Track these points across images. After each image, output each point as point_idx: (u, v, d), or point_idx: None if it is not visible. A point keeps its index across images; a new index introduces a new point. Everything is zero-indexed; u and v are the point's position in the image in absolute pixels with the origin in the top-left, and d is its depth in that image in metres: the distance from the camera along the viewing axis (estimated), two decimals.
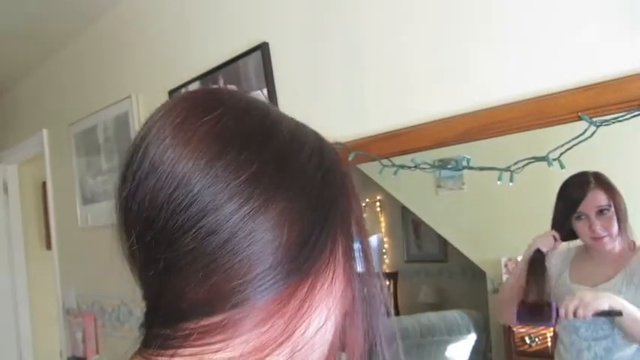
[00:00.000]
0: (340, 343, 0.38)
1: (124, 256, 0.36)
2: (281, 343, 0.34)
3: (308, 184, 0.36)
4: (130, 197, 0.34)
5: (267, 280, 0.33)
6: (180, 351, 0.33)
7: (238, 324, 0.33)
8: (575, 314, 0.83)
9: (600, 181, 0.84)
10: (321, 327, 0.36)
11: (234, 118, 0.35)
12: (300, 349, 0.35)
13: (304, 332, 0.35)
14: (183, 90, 1.60)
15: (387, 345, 0.39)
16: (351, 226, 0.38)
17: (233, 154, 0.33)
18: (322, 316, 0.36)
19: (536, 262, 0.93)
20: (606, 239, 0.84)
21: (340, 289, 0.37)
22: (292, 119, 0.40)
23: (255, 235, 0.32)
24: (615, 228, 0.83)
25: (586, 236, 0.87)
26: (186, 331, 0.33)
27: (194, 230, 0.32)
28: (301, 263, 0.34)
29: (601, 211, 0.84)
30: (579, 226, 0.87)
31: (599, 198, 0.84)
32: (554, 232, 0.91)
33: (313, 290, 0.35)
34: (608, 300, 0.82)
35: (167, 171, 0.33)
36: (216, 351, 0.32)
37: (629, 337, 0.81)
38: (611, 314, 0.81)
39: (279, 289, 0.33)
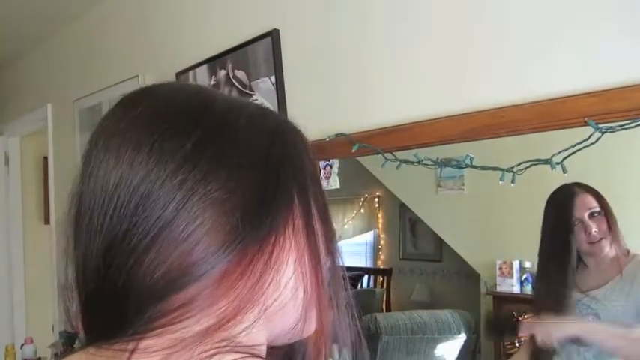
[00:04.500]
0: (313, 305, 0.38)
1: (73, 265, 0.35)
2: (250, 306, 0.34)
3: (253, 146, 0.36)
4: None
5: (221, 253, 0.33)
6: (147, 334, 0.32)
7: (200, 299, 0.33)
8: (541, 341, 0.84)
9: (584, 187, 0.85)
10: (287, 283, 0.36)
11: (157, 105, 0.36)
12: (270, 307, 0.35)
13: (272, 292, 0.35)
14: (190, 72, 1.59)
15: (344, 304, 0.40)
16: (306, 183, 0.38)
17: (162, 138, 0.33)
18: (288, 273, 0.36)
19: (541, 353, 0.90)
20: (603, 242, 0.84)
21: (302, 246, 0.37)
22: (230, 96, 0.40)
23: (199, 216, 0.32)
24: (609, 230, 0.83)
25: (583, 242, 0.86)
26: (149, 316, 0.32)
27: (140, 231, 0.32)
28: (256, 228, 0.34)
29: (592, 214, 0.84)
30: (576, 233, 0.87)
31: (588, 201, 0.85)
32: (550, 319, 0.89)
33: (273, 252, 0.35)
34: (571, 328, 0.83)
35: (101, 175, 0.34)
36: (185, 327, 0.32)
37: (611, 354, 0.81)
38: (575, 342, 0.82)
39: (236, 258, 0.33)
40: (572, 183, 0.86)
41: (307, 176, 0.38)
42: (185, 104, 0.36)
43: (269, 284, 0.35)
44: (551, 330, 0.85)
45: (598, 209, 0.84)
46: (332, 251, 0.39)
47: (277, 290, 0.36)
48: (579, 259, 0.89)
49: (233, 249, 0.33)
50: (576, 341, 0.83)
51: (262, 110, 0.40)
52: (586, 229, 0.85)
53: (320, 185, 0.40)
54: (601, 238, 0.84)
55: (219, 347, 0.32)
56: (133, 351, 0.32)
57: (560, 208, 0.88)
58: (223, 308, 0.33)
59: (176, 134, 0.34)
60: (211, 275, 0.33)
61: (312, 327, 0.39)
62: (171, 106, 0.36)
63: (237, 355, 0.33)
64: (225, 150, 0.34)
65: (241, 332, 0.34)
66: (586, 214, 0.85)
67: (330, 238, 0.39)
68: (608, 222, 0.83)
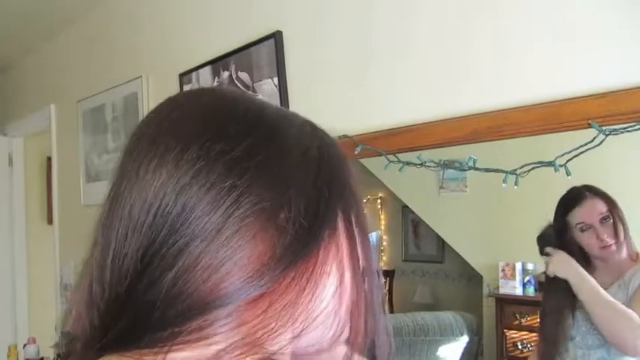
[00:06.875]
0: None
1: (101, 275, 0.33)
2: (285, 327, 0.32)
3: (304, 159, 0.34)
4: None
5: (268, 272, 0.31)
6: (184, 346, 0.31)
7: (243, 314, 0.31)
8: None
9: (594, 190, 0.85)
10: (326, 305, 0.34)
11: (213, 104, 0.35)
12: (307, 328, 0.33)
13: (311, 312, 0.33)
14: (194, 73, 1.60)
15: (383, 330, 0.38)
16: (351, 200, 0.36)
17: (212, 139, 0.32)
18: (328, 295, 0.34)
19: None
20: (613, 247, 0.84)
21: (343, 267, 0.35)
22: (279, 106, 0.39)
23: (248, 229, 0.31)
24: (620, 236, 0.83)
25: (594, 247, 0.86)
26: (189, 328, 0.31)
27: (179, 245, 0.31)
28: (303, 247, 0.32)
29: (604, 219, 0.84)
30: (585, 237, 0.87)
31: (598, 206, 0.85)
32: None
33: (313, 274, 0.33)
34: (569, 270, 0.87)
35: (143, 168, 0.33)
36: (219, 341, 0.31)
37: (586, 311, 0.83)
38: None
39: (279, 279, 0.32)
40: (582, 185, 0.85)
41: (351, 192, 0.37)
42: (240, 108, 0.35)
43: (308, 304, 0.33)
44: (556, 264, 0.88)
45: (608, 214, 0.84)
46: (370, 266, 0.37)
47: (315, 312, 0.33)
48: (588, 260, 0.89)
49: (279, 270, 0.31)
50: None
51: (310, 122, 0.39)
52: (598, 235, 0.85)
53: (361, 200, 0.38)
54: (612, 243, 0.84)
55: (250, 356, 0.31)
56: None
57: (561, 210, 0.88)
58: (256, 328, 0.32)
59: (227, 136, 0.32)
60: (253, 296, 0.31)
61: (345, 337, 0.37)
62: (227, 107, 0.35)
63: None
64: (276, 159, 0.33)
65: (274, 349, 0.32)
66: (597, 220, 0.85)
67: (368, 254, 0.37)
68: (615, 227, 0.83)
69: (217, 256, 0.30)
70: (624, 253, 0.84)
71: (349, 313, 0.36)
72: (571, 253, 0.88)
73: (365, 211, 0.38)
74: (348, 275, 0.35)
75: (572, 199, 0.86)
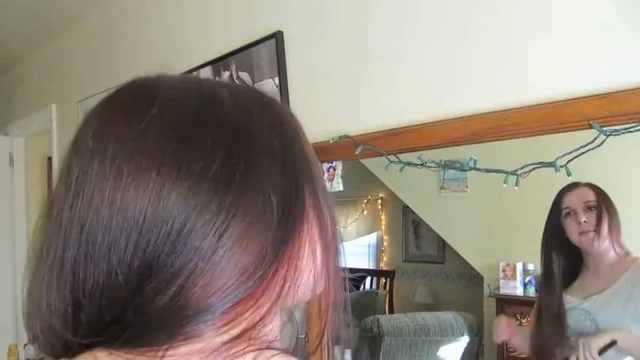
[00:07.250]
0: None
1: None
2: (273, 311, 0.34)
3: (271, 154, 0.35)
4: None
5: (257, 273, 0.32)
6: (176, 343, 0.32)
7: (233, 313, 0.33)
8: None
9: (589, 183, 0.86)
10: (305, 282, 0.37)
11: (171, 114, 0.34)
12: (291, 304, 0.36)
13: (292, 294, 0.35)
14: (194, 73, 1.60)
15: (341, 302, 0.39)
16: (315, 179, 0.37)
17: (188, 159, 0.32)
18: (305, 274, 0.36)
19: None
20: (592, 234, 0.85)
21: (316, 248, 0.37)
22: (230, 87, 0.38)
23: (243, 238, 0.32)
24: (603, 227, 0.83)
25: (574, 233, 0.88)
26: (184, 330, 0.32)
27: (176, 256, 0.31)
28: (285, 240, 0.34)
29: (589, 207, 0.85)
30: (568, 223, 0.88)
31: (586, 193, 0.86)
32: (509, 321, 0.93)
33: (292, 260, 0.35)
34: (605, 336, 0.82)
35: (117, 198, 0.31)
36: (214, 336, 0.32)
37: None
38: (611, 345, 0.81)
39: (267, 275, 0.33)
40: (584, 183, 0.87)
41: (314, 171, 0.38)
42: (197, 112, 0.34)
43: (289, 289, 0.35)
44: (591, 343, 0.82)
45: (594, 203, 0.85)
46: (335, 235, 0.39)
47: (296, 292, 0.36)
48: (581, 260, 0.89)
49: (264, 269, 0.33)
50: (609, 346, 0.82)
51: (263, 100, 0.39)
52: (577, 219, 0.86)
53: (320, 169, 0.39)
54: (591, 230, 0.85)
55: (250, 347, 0.33)
56: (162, 357, 0.31)
57: (555, 199, 0.89)
58: (249, 317, 0.33)
59: (204, 150, 0.32)
60: (243, 297, 0.33)
61: (321, 289, 0.39)
62: (186, 115, 0.34)
63: (272, 352, 0.33)
64: (253, 163, 0.33)
65: (266, 332, 0.35)
66: (581, 206, 0.86)
67: (334, 225, 0.39)
68: (599, 216, 0.83)
69: (214, 273, 0.31)
70: (607, 246, 0.84)
71: (323, 281, 0.38)
72: (556, 238, 0.89)
73: (324, 180, 0.39)
74: (319, 252, 0.37)
75: (566, 187, 0.87)
